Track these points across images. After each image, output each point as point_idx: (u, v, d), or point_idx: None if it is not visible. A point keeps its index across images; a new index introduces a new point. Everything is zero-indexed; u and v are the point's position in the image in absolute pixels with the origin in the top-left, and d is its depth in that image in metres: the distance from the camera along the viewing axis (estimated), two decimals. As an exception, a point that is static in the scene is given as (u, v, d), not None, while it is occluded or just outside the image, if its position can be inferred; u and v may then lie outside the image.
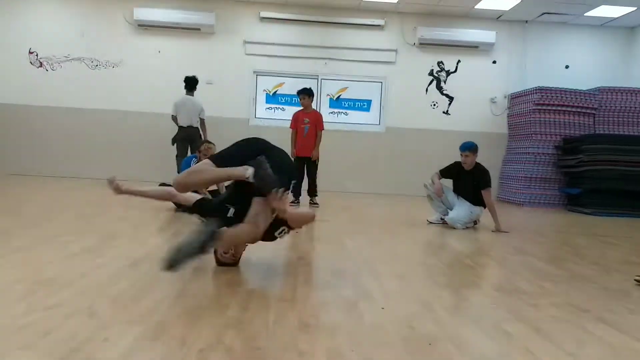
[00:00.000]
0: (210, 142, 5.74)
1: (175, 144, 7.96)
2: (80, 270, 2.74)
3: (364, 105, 9.63)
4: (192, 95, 8.06)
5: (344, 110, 9.62)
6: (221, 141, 8.72)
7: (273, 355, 1.78)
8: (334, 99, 9.60)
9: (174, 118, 8.00)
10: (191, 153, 7.69)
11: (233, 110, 9.43)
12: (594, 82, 9.15)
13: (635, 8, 8.48)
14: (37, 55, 9.39)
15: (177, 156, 7.89)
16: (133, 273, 2.76)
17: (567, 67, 9.59)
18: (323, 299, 2.52)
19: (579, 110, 8.63)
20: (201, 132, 7.98)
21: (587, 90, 8.76)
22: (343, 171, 9.33)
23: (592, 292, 2.98)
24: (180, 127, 7.97)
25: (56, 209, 5.42)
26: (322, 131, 6.91)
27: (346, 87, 9.58)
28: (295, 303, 2.40)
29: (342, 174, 9.32)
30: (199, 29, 9.32)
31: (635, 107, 8.62)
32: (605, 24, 9.48)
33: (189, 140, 7.90)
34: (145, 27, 9.35)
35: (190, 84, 8.06)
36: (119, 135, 9.39)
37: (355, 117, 9.62)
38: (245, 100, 9.52)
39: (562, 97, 8.59)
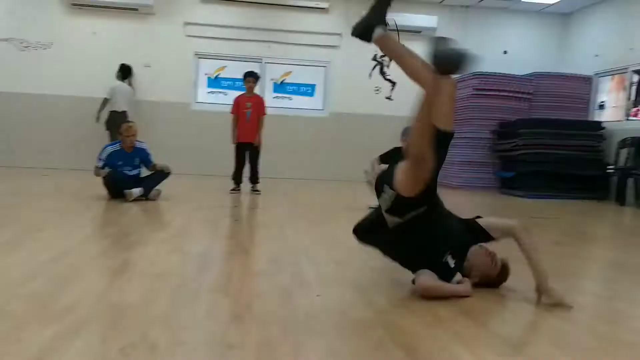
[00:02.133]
0: (129, 121, 5.56)
1: (108, 130, 7.77)
2: (-1, 266, 2.58)
3: (308, 90, 9.58)
4: (124, 82, 7.93)
5: (288, 95, 9.54)
6: (161, 125, 8.55)
7: (200, 349, 1.72)
8: (278, 83, 9.49)
9: (105, 101, 7.80)
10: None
11: (173, 94, 9.16)
12: (530, 67, 9.44)
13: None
14: (-42, 34, 8.77)
15: (109, 141, 7.68)
16: (54, 268, 2.62)
17: (505, 52, 9.84)
18: (258, 288, 2.48)
19: (515, 95, 8.90)
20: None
21: (523, 75, 9.04)
22: (286, 157, 9.25)
23: (520, 272, 3.07)
24: (115, 112, 7.79)
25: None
26: (265, 116, 6.81)
27: (290, 72, 9.48)
28: (228, 294, 2.35)
29: (285, 160, 9.25)
30: (136, 9, 8.95)
31: (568, 92, 8.97)
32: (542, 10, 9.77)
33: None
34: (79, 6, 8.88)
35: (125, 72, 7.98)
36: (50, 121, 8.93)
37: (300, 102, 9.56)
38: (186, 84, 9.26)
39: (499, 82, 8.83)
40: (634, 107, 8.25)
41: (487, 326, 2.10)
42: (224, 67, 9.30)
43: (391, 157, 5.68)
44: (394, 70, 10.59)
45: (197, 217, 4.58)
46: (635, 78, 8.23)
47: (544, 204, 7.20)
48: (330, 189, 7.99)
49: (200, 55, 9.28)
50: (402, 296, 2.41)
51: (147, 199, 5.39)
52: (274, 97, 9.35)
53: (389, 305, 2.29)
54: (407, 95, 10.55)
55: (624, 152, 7.91)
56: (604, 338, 2.02)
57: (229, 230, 4.10)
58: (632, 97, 8.29)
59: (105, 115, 8.04)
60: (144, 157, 5.59)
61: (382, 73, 10.64)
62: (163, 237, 3.64)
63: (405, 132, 5.59)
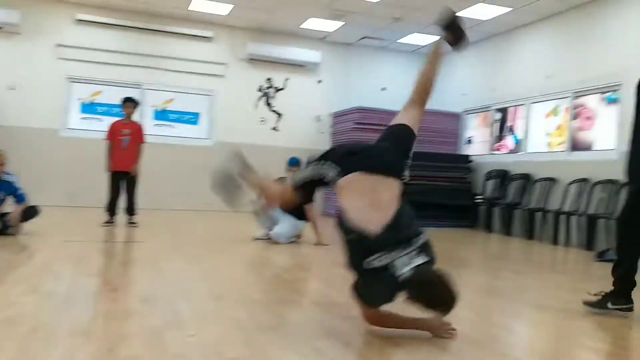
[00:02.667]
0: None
1: None
2: None
3: (192, 118, 9.33)
4: None
5: (170, 123, 9.21)
6: (27, 153, 7.81)
7: (47, 406, 1.51)
8: (159, 110, 9.14)
9: None
10: None
11: (41, 119, 8.42)
12: (406, 103, 9.99)
13: (438, 37, 9.48)
14: None
15: None
16: None
17: (383, 89, 10.36)
18: (125, 330, 2.27)
19: (394, 129, 9.35)
20: None
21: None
22: (169, 187, 8.86)
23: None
24: None
25: None
26: (144, 144, 6.49)
27: (172, 99, 9.19)
28: (90, 337, 2.13)
29: (168, 191, 8.84)
30: (0, 28, 8.21)
31: (440, 127, 9.62)
32: (416, 51, 10.46)
33: None
34: None
35: None
36: None
37: (183, 130, 9.26)
38: (56, 109, 8.58)
39: (379, 117, 9.23)
40: (497, 142, 9.04)
41: (363, 355, 2.09)
42: (99, 92, 8.77)
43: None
44: (279, 102, 10.70)
45: (63, 253, 4.16)
46: (498, 116, 9.04)
47: (421, 233, 7.54)
48: (215, 220, 7.76)
49: (73, 79, 8.68)
50: (283, 332, 2.33)
51: (6, 234, 4.84)
52: (154, 125, 8.97)
53: (268, 343, 2.20)
54: (292, 127, 10.72)
55: (490, 184, 8.61)
56: (473, 362, 2.09)
57: (98, 267, 3.78)
58: (495, 133, 9.09)
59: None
60: (12, 191, 5.06)
61: (268, 104, 10.81)
62: (18, 276, 3.25)
63: (292, 163, 5.64)
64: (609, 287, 2.94)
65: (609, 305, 2.87)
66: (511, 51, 8.68)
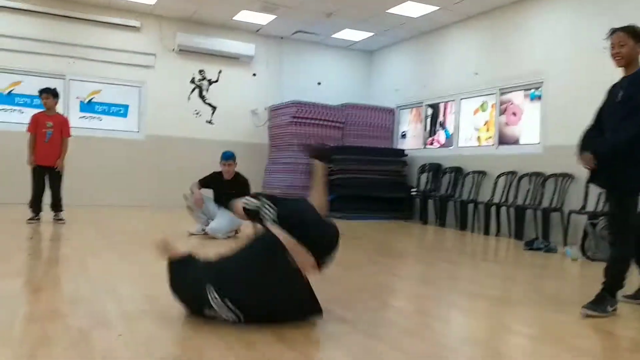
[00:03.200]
0: None
1: None
2: None
3: (120, 110, 8.94)
4: None
5: (97, 115, 8.77)
6: None
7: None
8: (85, 102, 8.70)
9: None
10: None
11: (-47, 111, 7.82)
12: (342, 98, 10.07)
13: (372, 34, 9.61)
14: None
15: None
16: None
17: (319, 83, 10.37)
18: (47, 333, 2.12)
19: (329, 123, 9.40)
20: None
21: (336, 105, 9.61)
22: (96, 182, 8.46)
23: (336, 292, 3.14)
24: None
25: None
26: (69, 138, 6.16)
27: (99, 90, 8.75)
28: (6, 343, 1.97)
29: (95, 186, 8.44)
30: None
31: (375, 122, 9.76)
32: (350, 47, 10.54)
33: None
34: None
35: None
36: None
37: (111, 123, 8.85)
38: (-31, 100, 7.98)
39: (315, 111, 9.24)
40: (429, 137, 9.28)
41: (297, 348, 2.06)
42: (19, 82, 8.23)
43: (211, 181, 5.55)
44: (213, 94, 10.47)
45: (-22, 254, 3.87)
46: (430, 111, 9.28)
47: (359, 224, 7.63)
48: (147, 215, 7.50)
49: (-12, 68, 8.10)
50: (212, 325, 2.26)
51: None
52: (80, 117, 8.53)
53: (199, 338, 2.13)
54: (228, 120, 10.55)
55: (424, 177, 8.82)
56: (407, 352, 2.11)
57: (20, 267, 3.53)
58: (428, 128, 9.33)
59: None
60: None
61: (202, 97, 10.58)
62: None
63: (225, 156, 5.51)
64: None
65: (609, 308, 2.85)
66: (441, 48, 8.92)
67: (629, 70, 2.91)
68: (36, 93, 6.32)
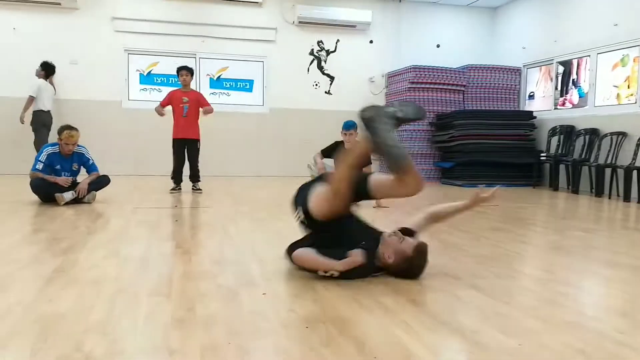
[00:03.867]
0: (72, 129, 5.24)
1: (35, 130, 7.48)
2: None
3: (246, 85, 9.42)
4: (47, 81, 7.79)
5: (225, 91, 9.34)
6: (90, 125, 8.13)
7: (139, 357, 1.62)
8: (215, 78, 9.27)
9: (31, 99, 7.45)
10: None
11: (103, 92, 8.76)
12: (463, 60, 9.70)
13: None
14: None
15: (35, 142, 7.42)
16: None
17: (438, 46, 10.05)
18: (201, 290, 2.37)
19: (450, 87, 9.12)
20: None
21: (456, 68, 9.28)
22: (226, 154, 9.07)
23: (463, 259, 3.13)
24: (41, 112, 7.51)
25: None
26: (209, 107, 6.60)
27: (227, 67, 9.29)
28: (169, 297, 2.24)
29: (226, 157, 9.06)
30: (59, 4, 8.48)
31: (499, 84, 9.30)
32: (471, 4, 10.05)
33: (49, 125, 7.54)
34: (-3, 0, 8.33)
35: (49, 69, 7.70)
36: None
37: (238, 97, 9.38)
38: (116, 81, 8.87)
39: (434, 75, 9.01)
40: (561, 97, 8.65)
41: (435, 315, 2.10)
42: (156, 63, 8.98)
43: (333, 150, 5.70)
44: (331, 65, 10.56)
45: (135, 219, 4.38)
46: (561, 69, 8.62)
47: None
48: (273, 185, 7.90)
49: (130, 51, 8.92)
50: (350, 290, 2.38)
51: (81, 202, 5.14)
52: (210, 93, 9.13)
53: (337, 300, 2.25)
54: (346, 90, 10.62)
55: (554, 140, 8.28)
56: (546, 320, 2.06)
57: (169, 232, 3.94)
58: (559, 87, 8.69)
59: (29, 114, 7.61)
60: (83, 162, 5.36)
61: (320, 68, 10.74)
62: (98, 242, 3.45)
63: (346, 126, 5.61)
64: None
65: None
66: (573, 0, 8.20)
67: None
68: (172, 72, 6.88)
